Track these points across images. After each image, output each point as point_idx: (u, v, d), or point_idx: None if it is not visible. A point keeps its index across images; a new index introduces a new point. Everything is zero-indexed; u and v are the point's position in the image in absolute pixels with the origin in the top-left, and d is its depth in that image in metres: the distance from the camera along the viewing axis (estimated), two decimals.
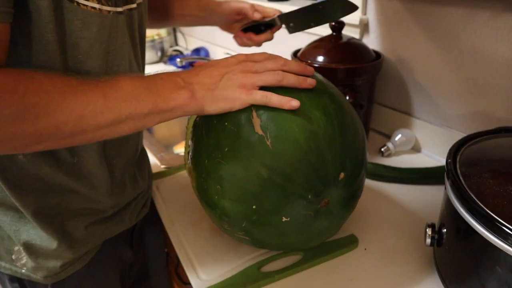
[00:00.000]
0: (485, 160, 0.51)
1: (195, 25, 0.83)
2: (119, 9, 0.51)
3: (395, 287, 0.54)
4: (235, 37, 0.76)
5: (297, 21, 0.71)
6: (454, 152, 0.52)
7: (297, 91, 0.49)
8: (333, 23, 0.82)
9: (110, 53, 0.52)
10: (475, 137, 0.55)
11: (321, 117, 0.48)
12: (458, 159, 0.50)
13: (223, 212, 0.50)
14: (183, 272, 0.63)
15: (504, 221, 0.39)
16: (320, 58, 0.82)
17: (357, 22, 0.92)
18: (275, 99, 0.47)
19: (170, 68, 1.78)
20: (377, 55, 0.86)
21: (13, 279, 0.58)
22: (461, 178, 0.47)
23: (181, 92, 0.46)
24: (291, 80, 0.48)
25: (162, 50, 1.86)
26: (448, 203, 0.48)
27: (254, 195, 0.47)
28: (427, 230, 0.52)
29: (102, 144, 0.56)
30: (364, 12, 0.93)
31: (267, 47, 1.33)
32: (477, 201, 0.43)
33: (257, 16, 0.69)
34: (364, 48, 0.84)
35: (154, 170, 0.82)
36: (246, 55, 0.51)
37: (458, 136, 0.73)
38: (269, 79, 0.48)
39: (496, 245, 0.40)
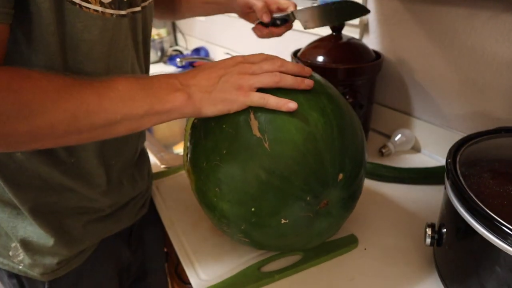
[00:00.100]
0: (485, 160, 0.51)
1: (214, 14, 0.82)
2: (123, 12, 0.51)
3: (395, 287, 0.54)
4: (253, 29, 0.74)
5: (311, 18, 0.70)
6: (454, 152, 0.52)
7: (294, 92, 0.48)
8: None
9: (112, 55, 0.52)
10: (475, 137, 0.55)
11: (319, 119, 0.48)
12: (458, 159, 0.50)
13: (222, 214, 0.50)
14: (183, 272, 0.63)
15: (504, 221, 0.39)
16: (320, 58, 0.82)
17: (357, 22, 0.93)
18: (273, 101, 0.47)
19: (170, 68, 1.78)
20: (377, 55, 0.86)
21: (11, 275, 0.59)
22: (461, 178, 0.47)
23: (178, 94, 0.46)
24: (288, 81, 0.48)
25: (162, 50, 1.86)
26: (448, 203, 0.48)
27: (253, 198, 0.47)
28: (427, 230, 0.52)
29: (100, 145, 0.56)
30: None
31: (267, 47, 1.34)
32: (477, 201, 0.43)
33: (266, 18, 0.68)
34: (364, 48, 0.84)
35: (154, 170, 0.82)
36: (243, 56, 0.51)
37: (458, 136, 0.73)
38: (267, 80, 0.48)
39: (496, 245, 0.40)
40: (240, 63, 0.50)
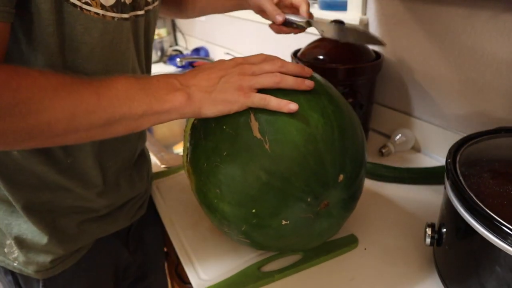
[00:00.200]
0: (485, 160, 0.51)
1: (230, 11, 0.80)
2: (125, 16, 0.51)
3: (395, 287, 0.54)
4: (271, 26, 0.71)
5: (328, 30, 0.69)
6: (454, 152, 0.52)
7: (295, 93, 0.48)
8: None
9: (112, 58, 0.51)
10: (475, 137, 0.55)
11: (319, 120, 0.48)
12: (458, 159, 0.50)
13: (222, 215, 0.50)
14: (183, 272, 0.63)
15: (504, 221, 0.39)
16: (320, 58, 0.82)
17: (357, 22, 0.93)
18: (274, 102, 0.47)
19: (170, 68, 1.78)
20: (377, 55, 0.86)
21: (7, 271, 0.59)
22: (461, 178, 0.47)
23: (177, 94, 0.45)
24: (289, 82, 0.48)
25: (162, 50, 1.86)
26: (448, 203, 0.48)
27: (254, 199, 0.47)
28: (427, 230, 0.52)
29: (97, 146, 0.56)
30: (364, 12, 0.93)
31: (267, 47, 1.34)
32: (477, 201, 0.43)
33: (280, 18, 0.65)
34: (364, 48, 0.84)
35: (154, 170, 0.82)
36: (243, 57, 0.51)
37: (458, 136, 0.73)
38: (267, 81, 0.48)
39: (496, 244, 0.40)
40: (240, 64, 0.49)
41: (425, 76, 0.84)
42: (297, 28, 0.68)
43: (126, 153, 0.64)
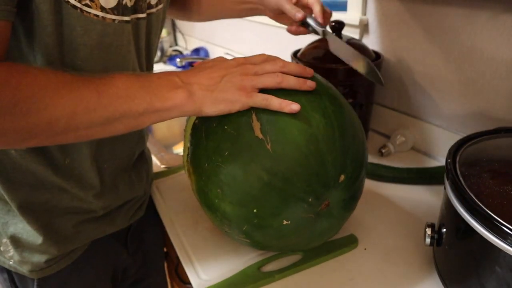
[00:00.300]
0: (485, 160, 0.51)
1: (241, 16, 0.78)
2: (126, 18, 0.50)
3: (395, 287, 0.54)
4: (288, 29, 0.71)
5: (337, 48, 0.68)
6: (454, 152, 0.52)
7: (296, 94, 0.48)
8: (333, 23, 0.82)
9: (112, 60, 0.51)
10: (475, 137, 0.55)
11: (320, 120, 0.48)
12: (457, 159, 0.50)
13: (223, 215, 0.50)
14: (183, 272, 0.63)
15: (504, 221, 0.39)
16: (320, 59, 0.82)
17: (357, 22, 0.93)
18: (275, 102, 0.47)
19: (169, 68, 1.78)
20: (377, 55, 0.86)
21: (3, 270, 0.59)
22: (460, 178, 0.47)
23: (178, 92, 0.45)
24: (290, 82, 0.48)
25: (162, 50, 1.86)
26: (447, 203, 0.48)
27: (255, 199, 0.47)
28: (426, 230, 0.52)
29: (95, 147, 0.56)
30: (364, 12, 0.93)
31: (267, 47, 1.34)
32: (477, 201, 0.43)
33: (299, 15, 0.64)
34: (364, 49, 0.84)
35: (154, 170, 0.82)
36: (245, 57, 0.51)
37: (458, 136, 0.73)
38: (269, 81, 0.48)
39: (496, 244, 0.40)
40: (242, 64, 0.49)
41: (424, 76, 0.84)
42: (313, 31, 0.68)
43: (124, 155, 0.63)
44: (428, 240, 0.52)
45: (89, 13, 0.45)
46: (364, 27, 0.94)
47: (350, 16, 0.94)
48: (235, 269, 0.57)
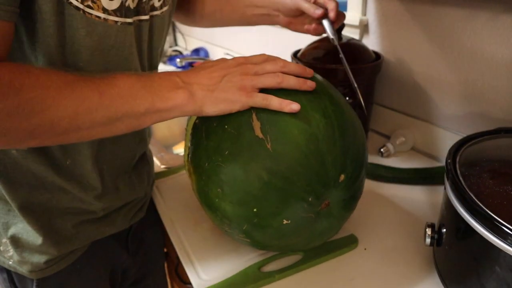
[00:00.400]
0: (485, 160, 0.51)
1: (252, 24, 0.76)
2: (129, 20, 0.50)
3: (395, 287, 0.54)
4: (307, 30, 0.70)
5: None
6: (454, 152, 0.52)
7: (296, 93, 0.48)
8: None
9: (113, 62, 0.51)
10: (474, 138, 0.55)
11: (321, 120, 0.48)
12: (457, 160, 0.50)
13: (224, 215, 0.50)
14: (183, 272, 0.63)
15: (504, 221, 0.39)
16: (320, 59, 0.82)
17: (357, 22, 0.93)
18: (275, 102, 0.47)
19: (169, 68, 1.78)
20: (377, 55, 0.86)
21: (2, 269, 0.59)
22: (460, 178, 0.47)
23: (179, 92, 0.46)
24: (291, 82, 0.48)
25: (162, 51, 1.86)
26: (447, 203, 0.48)
27: (255, 198, 0.47)
28: (426, 230, 0.52)
29: (96, 149, 0.56)
30: (364, 12, 0.93)
31: (267, 47, 1.34)
32: (477, 201, 0.43)
33: (318, 11, 0.64)
34: (363, 49, 0.84)
35: (154, 170, 0.82)
36: (245, 57, 0.51)
37: (458, 136, 0.73)
38: (269, 81, 0.48)
39: (496, 244, 0.40)
40: (243, 64, 0.49)
41: (424, 76, 0.84)
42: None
43: (125, 156, 0.63)
44: (428, 240, 0.52)
45: (91, 14, 0.45)
46: (364, 28, 0.94)
47: (350, 16, 0.94)
48: (236, 269, 0.57)
